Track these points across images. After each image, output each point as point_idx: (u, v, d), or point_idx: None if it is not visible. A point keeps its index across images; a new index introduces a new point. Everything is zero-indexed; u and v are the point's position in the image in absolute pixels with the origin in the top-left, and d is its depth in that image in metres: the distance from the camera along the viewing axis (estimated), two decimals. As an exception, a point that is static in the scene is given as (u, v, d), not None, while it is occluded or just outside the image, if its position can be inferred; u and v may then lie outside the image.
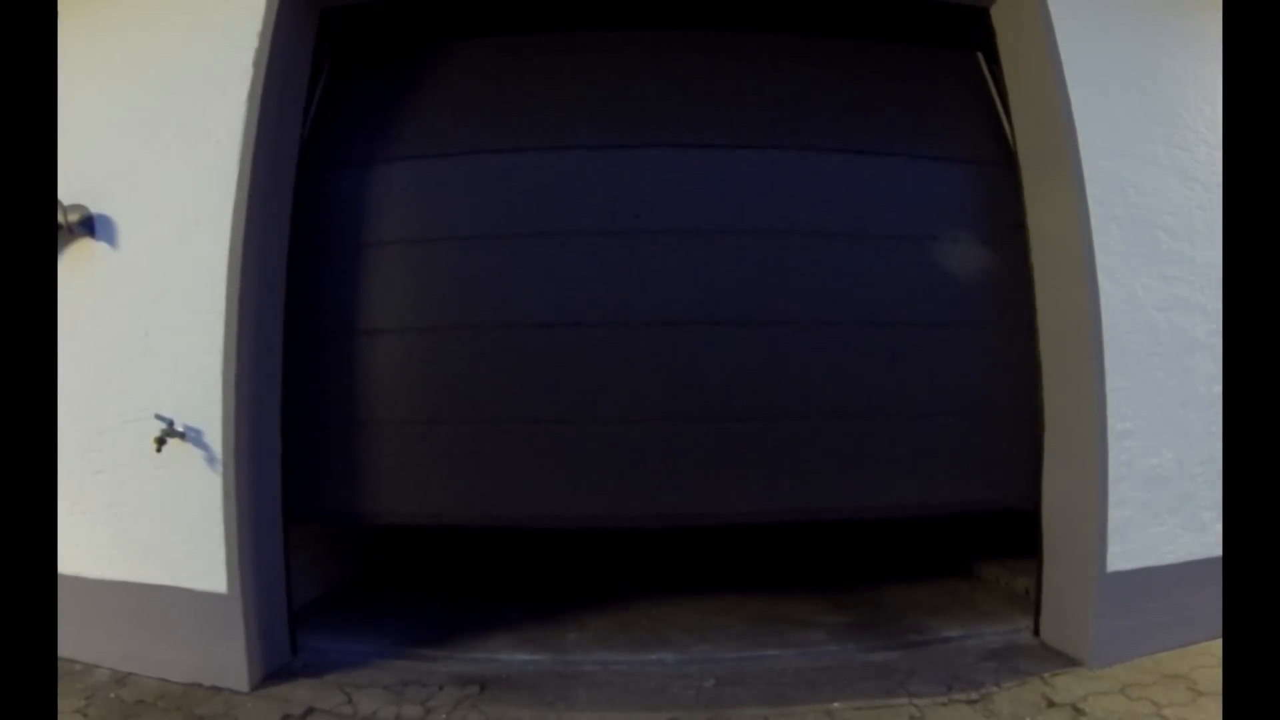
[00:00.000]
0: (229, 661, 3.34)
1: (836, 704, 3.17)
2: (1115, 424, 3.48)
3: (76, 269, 3.50)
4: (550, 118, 3.90)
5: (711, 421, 3.73)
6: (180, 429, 3.35)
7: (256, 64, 3.48)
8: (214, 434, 3.35)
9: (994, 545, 5.08)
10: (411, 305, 3.83)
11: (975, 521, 5.05)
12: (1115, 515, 3.48)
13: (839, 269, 3.81)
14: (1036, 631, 3.84)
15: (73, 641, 3.37)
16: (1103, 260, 3.52)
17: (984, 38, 4.04)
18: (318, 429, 3.75)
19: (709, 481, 3.72)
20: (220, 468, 3.35)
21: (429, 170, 3.90)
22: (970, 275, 3.89)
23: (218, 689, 3.32)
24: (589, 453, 3.70)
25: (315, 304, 3.79)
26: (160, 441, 3.30)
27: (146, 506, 3.44)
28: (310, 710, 3.17)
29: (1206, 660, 3.40)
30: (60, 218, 3.40)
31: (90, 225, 3.49)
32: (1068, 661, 3.51)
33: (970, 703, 3.15)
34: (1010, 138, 3.95)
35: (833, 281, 3.81)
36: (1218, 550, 3.49)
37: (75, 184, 3.48)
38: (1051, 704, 3.12)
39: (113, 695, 3.25)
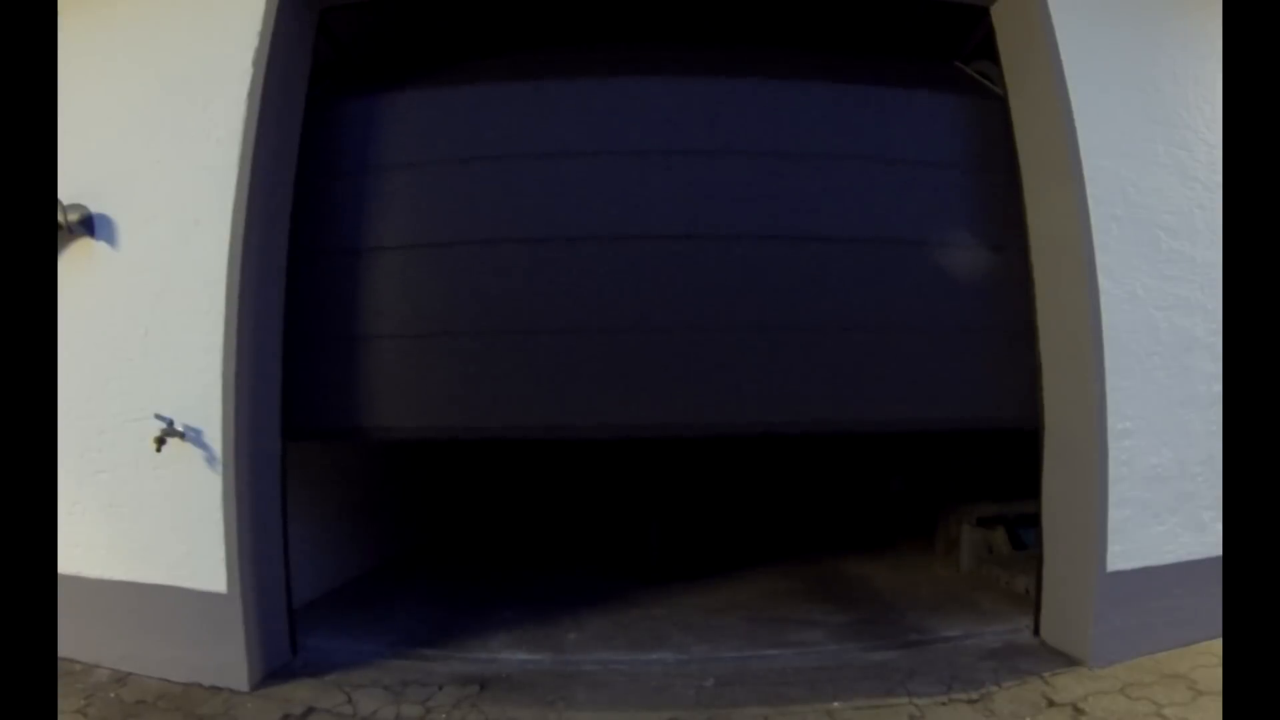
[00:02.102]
0: (229, 661, 3.34)
1: (836, 704, 3.16)
2: (1115, 423, 3.48)
3: (76, 269, 3.50)
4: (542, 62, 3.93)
5: (716, 332, 3.72)
6: (180, 429, 3.35)
7: (256, 64, 3.48)
8: (214, 434, 3.35)
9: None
10: (413, 227, 3.83)
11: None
12: (1115, 515, 3.48)
13: (842, 190, 3.84)
14: (1036, 631, 3.84)
15: (72, 641, 3.37)
16: (1103, 260, 3.52)
17: (983, 40, 4.04)
18: (319, 349, 3.75)
19: (714, 392, 3.71)
20: (220, 468, 3.35)
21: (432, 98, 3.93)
22: (969, 202, 3.93)
23: (218, 689, 3.32)
24: (589, 364, 3.70)
25: (321, 224, 3.81)
26: (160, 441, 3.31)
27: (146, 506, 3.44)
28: (310, 710, 3.17)
29: (1206, 660, 3.40)
30: (60, 217, 3.40)
31: (90, 225, 3.49)
32: (1068, 661, 3.51)
33: (970, 702, 3.15)
34: (1010, 138, 3.95)
35: (835, 203, 3.83)
36: (1218, 550, 3.48)
37: (75, 184, 3.48)
38: (1051, 703, 3.12)
39: (113, 695, 3.25)
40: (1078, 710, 3.05)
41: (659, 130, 3.78)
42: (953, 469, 5.51)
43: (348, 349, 3.75)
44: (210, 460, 3.35)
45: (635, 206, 3.72)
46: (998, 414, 3.88)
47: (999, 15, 3.92)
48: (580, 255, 3.71)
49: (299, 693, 3.32)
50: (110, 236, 3.52)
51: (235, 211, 3.40)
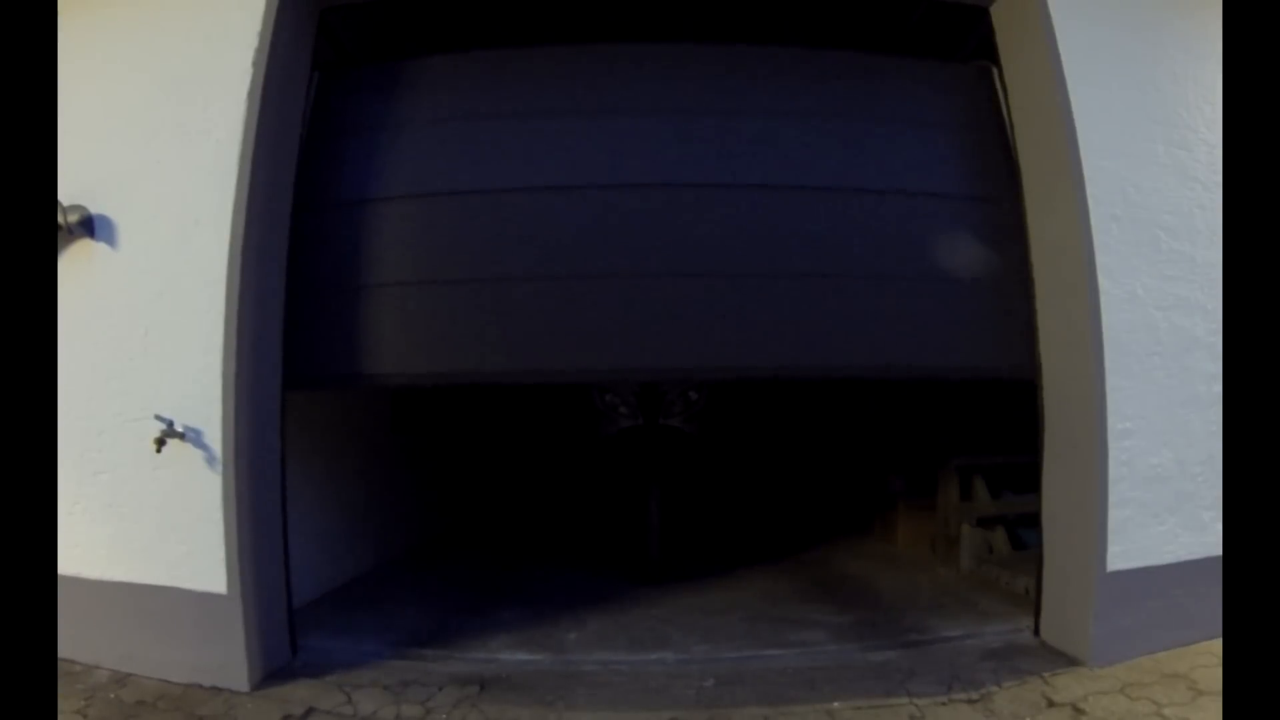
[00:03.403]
0: (229, 662, 3.34)
1: (836, 704, 3.16)
2: (1115, 424, 3.48)
3: (76, 269, 3.50)
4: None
5: (714, 277, 3.76)
6: (180, 429, 3.34)
7: (256, 64, 3.48)
8: (214, 434, 3.35)
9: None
10: (414, 178, 3.89)
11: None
12: (1115, 515, 3.48)
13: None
14: (1036, 631, 3.84)
15: (72, 642, 3.37)
16: (1103, 260, 3.52)
17: (983, 40, 4.04)
18: (321, 296, 3.78)
19: (711, 335, 3.74)
20: (220, 468, 3.34)
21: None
22: (966, 154, 4.00)
23: (218, 689, 3.32)
24: (589, 308, 3.73)
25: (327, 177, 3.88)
26: (160, 441, 3.30)
27: (146, 506, 3.44)
28: (310, 710, 3.17)
29: (1206, 660, 3.40)
30: (60, 218, 3.39)
31: (90, 225, 3.49)
32: (1068, 661, 3.51)
33: (970, 702, 3.15)
34: (1010, 138, 3.95)
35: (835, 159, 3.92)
36: (1217, 550, 3.48)
37: (75, 184, 3.47)
38: (1051, 704, 3.12)
39: (112, 696, 3.25)
40: (1078, 710, 3.05)
41: (657, 92, 3.89)
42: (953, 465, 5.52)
43: (351, 298, 3.79)
44: (210, 460, 3.35)
45: (636, 161, 3.81)
46: (996, 365, 3.92)
47: (999, 15, 3.92)
48: (579, 203, 3.78)
49: (299, 693, 3.32)
50: (110, 237, 3.52)
51: (235, 211, 3.40)
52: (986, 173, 3.96)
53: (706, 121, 3.86)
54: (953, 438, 5.76)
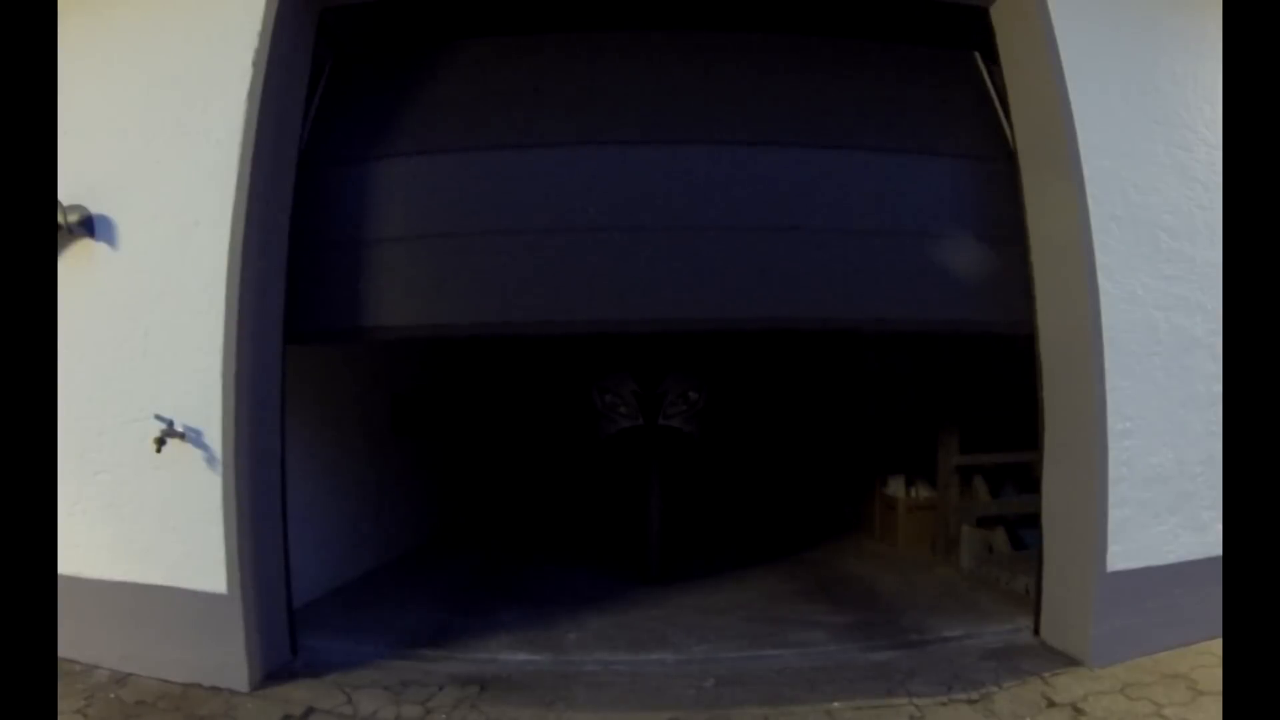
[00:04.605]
0: (229, 662, 3.34)
1: (836, 704, 3.17)
2: (1115, 423, 3.48)
3: (76, 269, 3.50)
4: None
5: (720, 230, 3.79)
6: (180, 429, 3.35)
7: (256, 64, 3.48)
8: (214, 434, 3.35)
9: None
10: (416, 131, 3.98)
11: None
12: (1115, 515, 3.48)
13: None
14: (1036, 631, 3.84)
15: (72, 642, 3.36)
16: (1103, 260, 3.52)
17: (983, 37, 4.04)
18: (323, 251, 3.80)
19: (713, 287, 3.77)
20: (220, 468, 3.34)
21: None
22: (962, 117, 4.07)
23: (218, 689, 3.32)
24: (587, 261, 3.77)
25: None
26: (160, 442, 3.30)
27: (146, 507, 3.44)
28: (310, 710, 3.17)
29: (1206, 660, 3.40)
30: (60, 218, 3.39)
31: (90, 226, 3.49)
32: (1068, 661, 3.51)
33: (970, 702, 3.15)
34: (1010, 137, 3.95)
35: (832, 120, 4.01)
36: (1218, 550, 3.48)
37: (75, 184, 3.47)
38: (1051, 704, 3.12)
39: (112, 696, 3.25)
40: (1078, 710, 3.05)
41: (651, 59, 4.01)
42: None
43: (352, 252, 3.82)
44: (210, 460, 3.35)
45: (644, 116, 3.91)
46: (992, 320, 3.95)
47: (999, 15, 3.91)
48: (576, 160, 3.84)
49: (299, 693, 3.32)
50: (110, 237, 3.51)
51: (235, 212, 3.40)
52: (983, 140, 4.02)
53: (702, 81, 3.97)
54: (953, 436, 5.76)
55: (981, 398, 5.57)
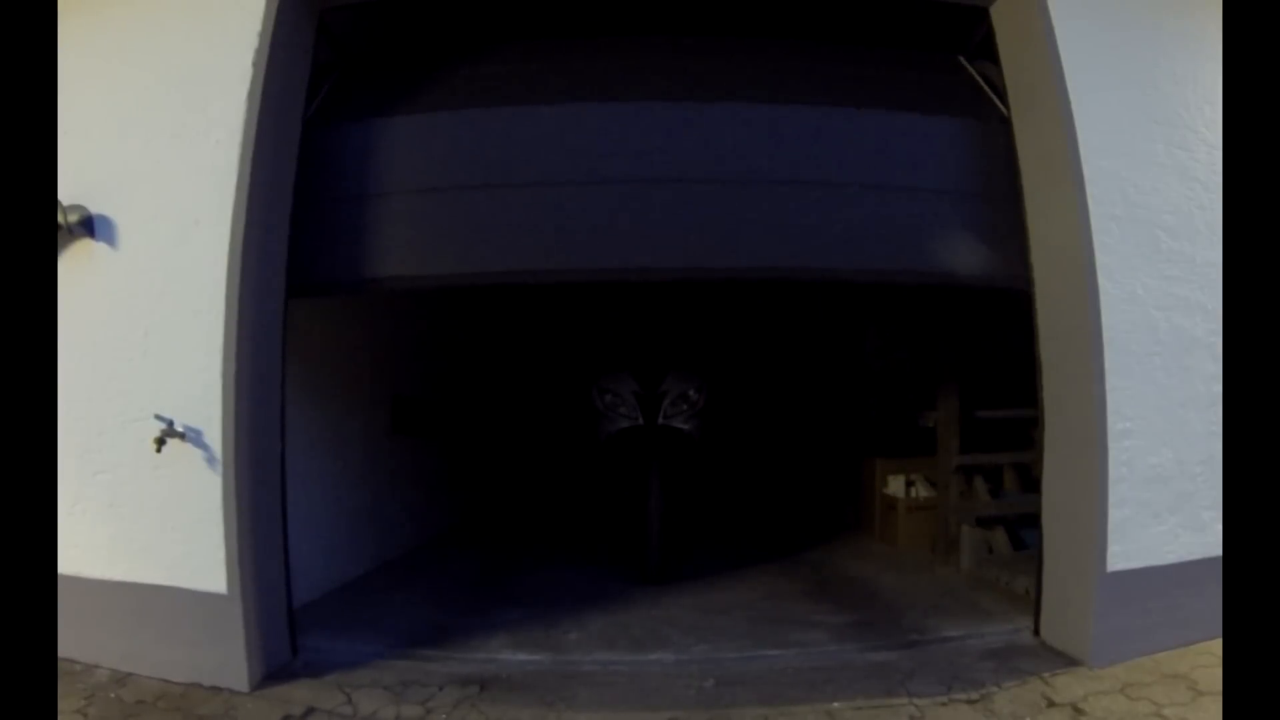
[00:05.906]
0: (229, 661, 3.34)
1: (836, 704, 3.16)
2: (1115, 424, 3.48)
3: (76, 269, 3.50)
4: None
5: (714, 183, 3.82)
6: (180, 429, 3.34)
7: (256, 64, 3.47)
8: (214, 434, 3.35)
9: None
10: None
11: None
12: (1115, 515, 3.48)
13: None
14: (1036, 631, 3.84)
15: (72, 641, 3.36)
16: (1103, 260, 3.51)
17: (983, 39, 4.04)
18: (327, 204, 3.83)
19: (706, 237, 3.80)
20: (220, 468, 3.34)
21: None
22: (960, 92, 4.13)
23: (218, 689, 3.32)
24: (588, 212, 3.80)
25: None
26: (160, 442, 3.30)
27: (146, 506, 3.43)
28: (310, 710, 3.17)
29: (1206, 660, 3.40)
30: (60, 218, 3.39)
31: (90, 226, 3.49)
32: (1068, 661, 3.51)
33: (970, 702, 3.15)
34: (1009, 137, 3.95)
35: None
36: (1218, 550, 3.47)
37: (75, 184, 3.47)
38: (1051, 704, 3.12)
39: (113, 695, 3.25)
40: (1078, 710, 3.05)
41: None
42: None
43: (355, 207, 3.85)
44: (210, 460, 3.35)
45: (637, 81, 4.00)
46: (990, 274, 3.96)
47: (998, 15, 3.91)
48: (579, 117, 3.91)
49: (299, 693, 3.32)
50: (110, 237, 3.51)
51: (235, 212, 3.40)
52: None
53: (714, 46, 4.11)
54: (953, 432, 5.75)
55: (983, 359, 5.60)
